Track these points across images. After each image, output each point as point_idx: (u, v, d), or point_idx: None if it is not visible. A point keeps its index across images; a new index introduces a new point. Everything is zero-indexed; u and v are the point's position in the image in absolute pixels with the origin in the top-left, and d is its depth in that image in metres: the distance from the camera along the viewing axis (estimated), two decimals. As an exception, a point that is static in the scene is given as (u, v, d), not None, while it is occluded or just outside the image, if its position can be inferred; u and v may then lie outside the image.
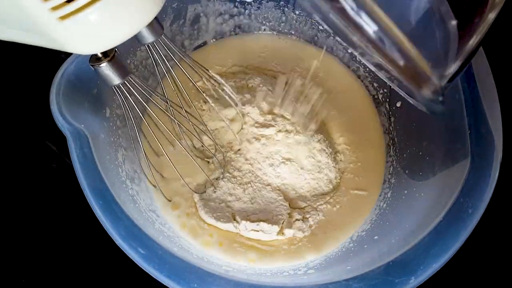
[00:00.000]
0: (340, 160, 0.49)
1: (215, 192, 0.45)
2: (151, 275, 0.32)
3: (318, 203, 0.46)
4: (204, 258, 0.38)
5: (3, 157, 0.51)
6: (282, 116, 0.48)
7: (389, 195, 0.45)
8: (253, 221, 0.43)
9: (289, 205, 0.45)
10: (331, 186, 0.47)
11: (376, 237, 0.41)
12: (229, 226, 0.43)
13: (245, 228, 0.42)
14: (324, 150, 0.47)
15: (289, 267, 0.41)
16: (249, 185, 0.45)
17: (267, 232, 0.43)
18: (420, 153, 0.43)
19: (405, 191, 0.44)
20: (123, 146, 0.43)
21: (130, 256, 0.32)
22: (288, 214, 0.44)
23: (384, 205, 0.45)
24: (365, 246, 0.41)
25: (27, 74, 0.55)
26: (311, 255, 0.42)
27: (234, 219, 0.43)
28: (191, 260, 0.33)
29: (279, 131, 0.47)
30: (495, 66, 0.39)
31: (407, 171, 0.45)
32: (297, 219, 0.44)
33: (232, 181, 0.45)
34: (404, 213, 0.41)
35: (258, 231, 0.43)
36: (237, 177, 0.45)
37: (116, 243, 0.33)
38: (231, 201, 0.44)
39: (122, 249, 0.33)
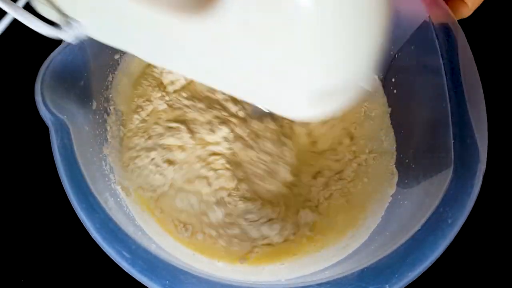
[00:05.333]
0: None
1: None
2: (124, 269, 0.32)
3: None
4: (178, 257, 0.38)
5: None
6: None
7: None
8: None
9: None
10: None
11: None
12: None
13: None
14: None
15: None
16: None
17: None
18: (407, 160, 0.43)
19: (390, 198, 0.43)
20: (109, 140, 0.43)
21: (103, 249, 0.32)
22: None
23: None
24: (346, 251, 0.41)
25: (13, 64, 0.54)
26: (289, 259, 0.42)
27: None
28: (166, 257, 0.33)
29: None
30: (484, 75, 0.39)
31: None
32: None
33: None
34: (387, 220, 0.41)
35: None
36: None
37: (91, 235, 0.33)
38: None
39: (96, 242, 0.33)
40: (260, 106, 0.33)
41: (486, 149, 0.36)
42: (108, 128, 0.43)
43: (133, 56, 0.47)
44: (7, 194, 0.49)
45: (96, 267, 0.45)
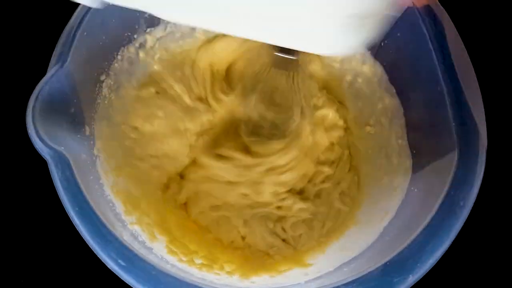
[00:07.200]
0: None
1: None
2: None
3: None
4: (195, 274, 0.37)
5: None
6: None
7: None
8: None
9: None
10: None
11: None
12: None
13: None
14: None
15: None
16: None
17: None
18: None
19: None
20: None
21: (122, 279, 0.31)
22: None
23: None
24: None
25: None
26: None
27: None
28: (184, 277, 0.33)
29: None
30: (475, 57, 0.39)
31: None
32: None
33: None
34: (398, 210, 0.41)
35: None
36: None
37: (108, 266, 0.32)
38: None
39: (115, 272, 0.32)
40: (291, 46, 0.33)
41: (485, 126, 0.37)
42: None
43: (120, 78, 0.45)
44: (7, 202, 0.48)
45: (100, 273, 0.44)
